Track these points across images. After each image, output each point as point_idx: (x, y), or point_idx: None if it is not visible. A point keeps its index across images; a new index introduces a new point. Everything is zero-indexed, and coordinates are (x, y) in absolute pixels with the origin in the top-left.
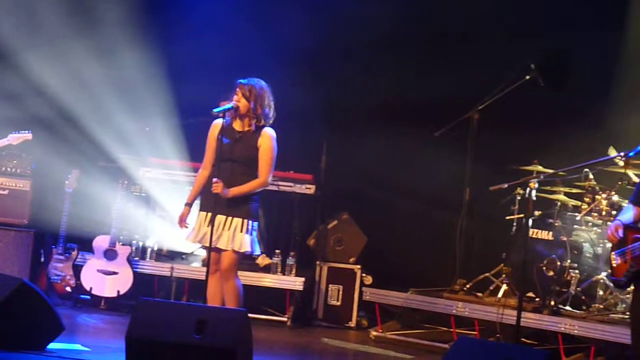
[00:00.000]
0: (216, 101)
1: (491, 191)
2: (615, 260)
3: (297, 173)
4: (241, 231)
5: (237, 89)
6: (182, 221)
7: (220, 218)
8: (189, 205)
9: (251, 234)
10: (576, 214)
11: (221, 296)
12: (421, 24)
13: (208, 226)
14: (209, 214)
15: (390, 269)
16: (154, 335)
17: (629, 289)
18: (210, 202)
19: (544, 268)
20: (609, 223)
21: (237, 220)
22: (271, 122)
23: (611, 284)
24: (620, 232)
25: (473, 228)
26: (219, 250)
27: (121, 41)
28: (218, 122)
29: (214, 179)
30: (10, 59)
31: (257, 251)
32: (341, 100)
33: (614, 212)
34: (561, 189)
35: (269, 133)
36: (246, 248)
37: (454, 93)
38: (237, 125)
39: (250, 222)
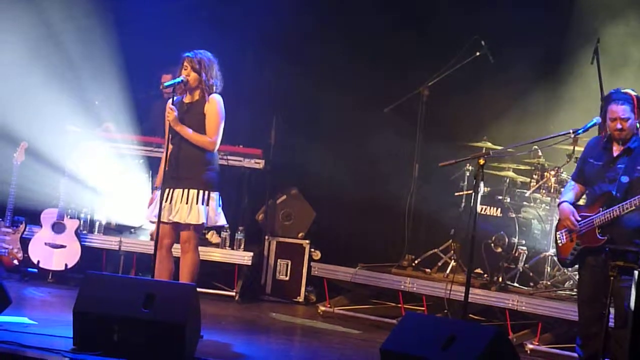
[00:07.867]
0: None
1: (440, 167)
2: (561, 239)
3: (246, 147)
4: (197, 203)
5: (185, 63)
6: (151, 204)
7: (178, 192)
8: (158, 189)
9: (207, 204)
10: (525, 190)
11: (169, 270)
12: None
13: (166, 202)
14: (167, 190)
15: (338, 244)
16: (101, 309)
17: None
18: (168, 179)
19: (492, 244)
20: (557, 200)
21: (193, 192)
22: (219, 92)
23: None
24: (578, 216)
25: (422, 204)
26: (177, 224)
27: (73, 12)
28: (170, 102)
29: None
30: None
31: (221, 222)
32: (291, 75)
33: (562, 190)
34: (510, 165)
35: (215, 99)
36: (202, 220)
37: (405, 68)
38: (187, 99)
39: (205, 192)
